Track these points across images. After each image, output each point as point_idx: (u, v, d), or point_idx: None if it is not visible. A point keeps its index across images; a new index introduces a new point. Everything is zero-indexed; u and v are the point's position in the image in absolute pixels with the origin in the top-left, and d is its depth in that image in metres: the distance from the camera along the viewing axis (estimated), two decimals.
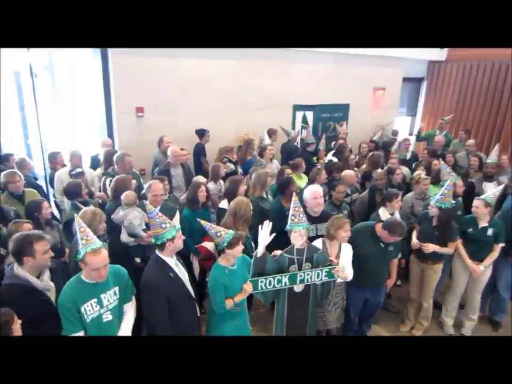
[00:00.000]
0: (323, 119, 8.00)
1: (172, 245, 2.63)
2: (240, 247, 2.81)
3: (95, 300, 2.40)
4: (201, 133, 6.09)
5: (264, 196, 4.40)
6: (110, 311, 2.49)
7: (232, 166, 5.49)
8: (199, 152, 6.00)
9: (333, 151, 6.41)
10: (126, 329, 2.60)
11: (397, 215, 4.01)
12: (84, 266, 2.34)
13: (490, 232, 3.75)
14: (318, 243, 3.27)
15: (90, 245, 2.32)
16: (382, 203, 4.02)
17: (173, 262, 2.71)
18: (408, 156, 6.47)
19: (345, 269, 3.12)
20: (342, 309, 3.58)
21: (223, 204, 4.08)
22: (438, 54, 8.78)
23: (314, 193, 3.69)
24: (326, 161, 6.05)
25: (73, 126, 6.59)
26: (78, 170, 4.41)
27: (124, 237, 3.62)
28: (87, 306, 2.37)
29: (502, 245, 3.78)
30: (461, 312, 4.27)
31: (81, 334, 2.36)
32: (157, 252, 2.69)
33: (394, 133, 7.91)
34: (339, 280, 3.06)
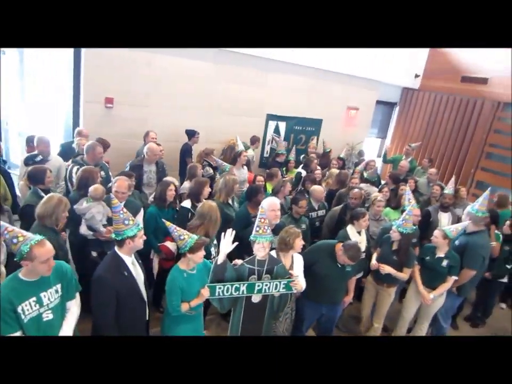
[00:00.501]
0: (295, 131, 8.29)
1: (131, 243, 2.67)
2: (201, 253, 2.90)
3: (34, 298, 2.35)
4: (190, 134, 6.24)
5: (230, 202, 4.55)
6: (51, 310, 2.45)
7: (211, 171, 5.61)
8: (185, 152, 6.12)
9: (302, 164, 6.70)
10: (67, 328, 2.57)
11: (363, 234, 4.23)
12: (28, 263, 2.26)
13: (445, 263, 3.98)
14: (272, 253, 3.35)
15: (31, 238, 2.28)
16: (350, 221, 4.20)
17: (129, 260, 2.74)
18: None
19: (299, 280, 3.23)
20: (291, 320, 3.72)
21: (186, 203, 4.19)
22: (412, 82, 9.35)
23: (272, 205, 3.82)
24: (295, 174, 6.31)
25: (37, 109, 6.46)
26: (39, 158, 4.38)
27: (83, 229, 3.65)
28: (25, 305, 2.31)
29: (454, 278, 4.01)
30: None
31: (17, 334, 2.30)
32: (115, 248, 2.72)
33: (361, 153, 8.30)
34: (294, 291, 3.21)
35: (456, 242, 4.29)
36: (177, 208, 4.35)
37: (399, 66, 8.76)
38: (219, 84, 6.94)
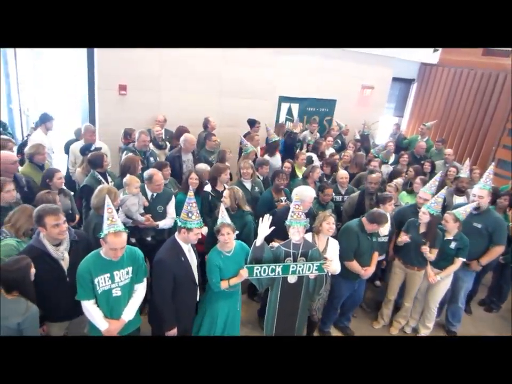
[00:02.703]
0: (308, 113, 9.07)
1: (186, 233, 3.37)
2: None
3: (108, 275, 3.06)
4: (252, 123, 7.30)
5: (246, 185, 5.29)
6: (120, 288, 3.16)
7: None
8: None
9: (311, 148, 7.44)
10: (131, 306, 3.29)
11: (387, 218, 4.75)
12: (104, 243, 2.98)
13: (453, 245, 4.51)
14: (307, 237, 3.98)
15: (113, 226, 2.94)
16: (376, 205, 4.77)
17: (186, 247, 3.50)
18: (391, 160, 7.39)
19: (333, 263, 3.86)
20: (324, 300, 4.46)
21: (207, 187, 5.02)
22: (430, 56, 9.92)
23: (310, 198, 4.49)
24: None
25: (53, 97, 7.25)
26: (93, 147, 5.32)
27: (122, 218, 4.33)
28: (100, 279, 3.04)
29: (462, 259, 4.53)
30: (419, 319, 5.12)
31: (92, 301, 3.08)
32: (176, 234, 3.50)
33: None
34: (326, 273, 3.88)
35: (478, 225, 4.77)
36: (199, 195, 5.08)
37: None
38: (228, 67, 7.65)
